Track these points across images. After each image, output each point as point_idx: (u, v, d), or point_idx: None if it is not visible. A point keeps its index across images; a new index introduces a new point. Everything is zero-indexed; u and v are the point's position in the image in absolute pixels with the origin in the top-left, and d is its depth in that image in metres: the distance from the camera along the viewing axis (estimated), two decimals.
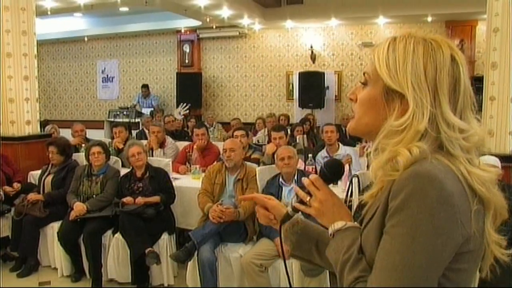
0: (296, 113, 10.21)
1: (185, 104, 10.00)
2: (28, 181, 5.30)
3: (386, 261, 0.93)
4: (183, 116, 9.76)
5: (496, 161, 3.41)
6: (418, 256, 0.90)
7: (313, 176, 1.21)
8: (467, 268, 0.98)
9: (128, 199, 4.32)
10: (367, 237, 1.03)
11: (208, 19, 9.22)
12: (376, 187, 1.06)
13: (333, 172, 1.24)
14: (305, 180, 1.22)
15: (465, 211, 0.93)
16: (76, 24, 11.06)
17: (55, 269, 4.61)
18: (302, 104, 9.87)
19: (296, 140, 6.80)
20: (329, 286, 3.77)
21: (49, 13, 7.78)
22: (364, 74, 1.11)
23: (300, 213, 1.28)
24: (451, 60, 1.01)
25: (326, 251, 1.17)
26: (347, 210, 1.19)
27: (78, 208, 4.38)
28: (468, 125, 1.00)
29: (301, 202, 1.22)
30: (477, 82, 6.97)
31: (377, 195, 1.07)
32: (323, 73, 9.94)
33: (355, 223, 1.15)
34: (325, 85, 9.97)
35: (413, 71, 0.99)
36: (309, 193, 1.20)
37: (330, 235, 1.15)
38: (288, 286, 1.52)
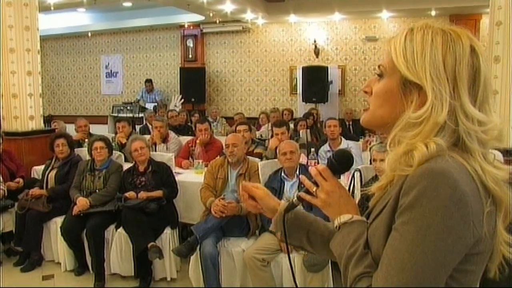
0: (300, 108, 10.19)
1: (180, 96, 10.08)
2: (32, 176, 5.31)
3: (395, 259, 0.91)
4: (179, 108, 9.85)
5: (498, 155, 3.40)
6: (427, 255, 0.88)
7: (320, 166, 1.19)
8: (475, 269, 0.97)
9: (130, 194, 4.34)
10: (374, 232, 1.01)
11: (211, 14, 9.20)
12: (385, 179, 1.04)
13: (342, 163, 1.21)
14: (312, 170, 1.19)
15: (478, 212, 0.91)
16: (79, 19, 11.06)
17: (59, 263, 4.64)
18: (306, 98, 9.85)
19: (299, 135, 6.80)
20: (331, 281, 3.77)
21: (52, 8, 7.79)
22: (379, 66, 1.08)
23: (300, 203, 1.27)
24: (470, 51, 0.98)
25: (330, 244, 1.15)
26: (354, 203, 1.17)
27: (81, 203, 4.40)
28: (488, 118, 0.98)
29: (307, 192, 1.20)
30: None
31: (385, 187, 1.05)
32: (327, 68, 9.90)
33: (362, 217, 1.13)
34: (329, 80, 9.94)
35: (431, 62, 0.96)
36: (315, 183, 1.17)
37: (336, 227, 1.14)
38: (292, 279, 1.49)
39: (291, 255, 3.67)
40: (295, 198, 1.24)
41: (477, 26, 8.98)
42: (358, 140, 6.84)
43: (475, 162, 0.95)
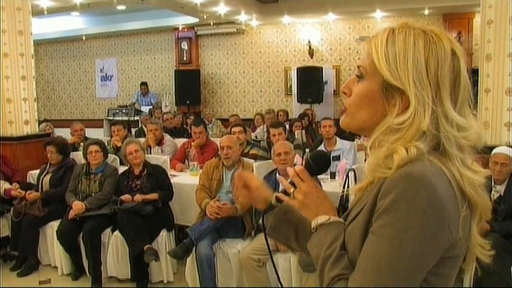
0: (295, 109, 10.22)
1: (169, 96, 10.19)
2: (27, 181, 5.31)
3: (371, 262, 0.91)
4: (169, 108, 9.93)
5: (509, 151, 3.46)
6: (404, 259, 0.88)
7: (298, 167, 1.18)
8: (449, 273, 0.97)
9: (126, 197, 4.34)
10: (351, 234, 1.01)
11: (205, 16, 9.21)
12: (366, 181, 1.04)
13: (319, 164, 1.21)
14: (289, 171, 1.18)
15: (454, 217, 0.92)
16: (73, 23, 11.06)
17: (55, 267, 4.63)
18: (301, 99, 9.87)
19: (294, 135, 6.81)
20: None
21: (45, 12, 7.77)
22: (358, 67, 1.06)
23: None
24: (451, 54, 0.98)
25: (307, 245, 1.14)
26: (331, 203, 1.16)
27: (77, 207, 4.40)
28: (468, 123, 0.98)
29: (285, 192, 1.19)
30: (475, 75, 6.95)
31: (365, 189, 1.05)
32: (321, 68, 9.94)
33: (339, 218, 1.12)
34: (323, 80, 9.97)
35: (414, 66, 0.95)
36: (293, 184, 1.16)
37: (313, 229, 1.12)
38: (277, 279, 1.49)
39: (287, 255, 3.70)
40: (273, 199, 1.24)
41: (470, 24, 9.03)
42: (353, 140, 6.85)
43: (453, 167, 0.96)
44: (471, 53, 8.90)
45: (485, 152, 1.10)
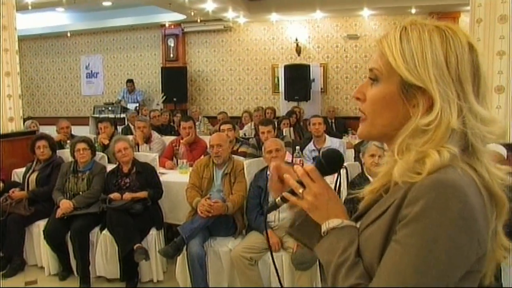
0: (282, 106, 10.21)
1: (162, 94, 10.12)
2: (12, 179, 5.21)
3: (395, 273, 0.85)
4: (161, 106, 9.87)
5: (502, 150, 3.45)
6: (431, 272, 0.83)
7: (308, 166, 1.09)
8: (470, 287, 0.92)
9: (115, 195, 4.28)
10: (368, 241, 0.96)
11: (192, 13, 9.15)
12: (378, 183, 0.99)
13: (331, 163, 1.12)
14: (299, 170, 1.09)
15: (484, 229, 0.88)
16: (58, 19, 10.88)
17: (42, 268, 4.55)
18: (288, 97, 9.87)
19: (283, 133, 6.81)
20: (319, 279, 3.78)
21: (30, 7, 7.64)
22: (371, 69, 1.00)
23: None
24: (469, 48, 0.94)
25: (315, 249, 1.07)
26: (343, 206, 1.09)
27: (65, 205, 4.32)
28: (492, 116, 0.94)
29: (292, 192, 1.10)
30: None
31: (378, 191, 1.01)
32: (309, 66, 9.95)
33: (352, 222, 1.06)
34: (311, 78, 9.98)
35: (434, 62, 0.91)
36: (301, 184, 1.08)
37: (323, 233, 1.05)
38: (277, 278, 1.42)
39: (279, 254, 3.68)
40: (279, 198, 1.14)
41: (456, 24, 9.09)
42: (341, 138, 6.89)
43: (482, 167, 0.92)
44: None
45: None
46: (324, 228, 1.05)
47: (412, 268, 0.84)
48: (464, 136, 0.92)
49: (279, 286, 3.71)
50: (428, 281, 0.83)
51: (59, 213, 4.30)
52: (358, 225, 1.05)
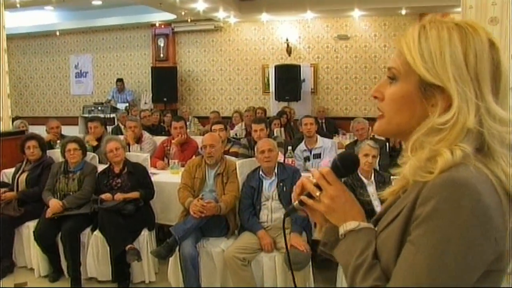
0: (273, 106, 10.21)
1: (149, 94, 10.11)
2: (1, 179, 5.14)
3: (409, 274, 0.85)
4: (149, 104, 9.84)
5: None
6: (445, 272, 0.82)
7: (324, 169, 1.10)
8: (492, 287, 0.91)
9: (107, 196, 4.24)
10: (385, 242, 0.95)
11: (183, 13, 9.12)
12: (398, 184, 0.99)
13: (347, 165, 1.13)
14: (315, 173, 1.11)
15: (500, 227, 0.86)
16: (47, 18, 10.78)
17: (32, 269, 4.50)
18: (279, 97, 9.87)
19: (273, 133, 6.80)
20: (312, 279, 3.78)
21: (18, 5, 7.57)
22: (389, 68, 1.00)
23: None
24: (489, 45, 0.93)
25: (334, 252, 1.08)
26: (360, 208, 1.09)
27: (54, 204, 4.27)
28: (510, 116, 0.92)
29: (309, 195, 1.10)
30: None
31: (397, 193, 1.01)
32: (299, 66, 9.95)
33: (369, 224, 1.06)
34: (301, 78, 9.99)
35: (452, 61, 0.90)
36: (318, 187, 1.09)
37: (341, 235, 1.06)
38: (293, 281, 1.38)
39: (272, 254, 3.68)
40: (297, 202, 1.15)
41: None
42: (331, 138, 6.89)
43: (497, 168, 0.90)
44: None
45: None
46: (341, 230, 1.06)
47: (426, 268, 0.83)
48: (480, 136, 0.91)
49: (274, 287, 3.71)
50: (443, 281, 0.82)
51: (48, 213, 4.25)
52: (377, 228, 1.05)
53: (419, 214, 0.86)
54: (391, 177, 4.12)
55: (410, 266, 0.86)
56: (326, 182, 1.08)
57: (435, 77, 0.91)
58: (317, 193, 1.09)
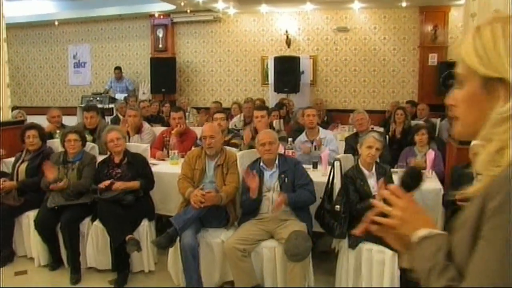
0: (271, 98, 10.18)
1: (147, 84, 10.08)
2: (1, 169, 5.14)
3: (481, 269, 0.86)
4: (147, 94, 9.80)
5: None
6: None
7: (392, 186, 1.18)
8: None
9: (105, 183, 4.21)
10: (459, 241, 0.97)
11: (182, 3, 9.07)
12: (480, 183, 0.98)
13: (415, 181, 1.22)
14: (385, 193, 1.17)
15: None
16: (45, 8, 10.72)
17: (32, 258, 4.52)
18: (277, 88, 9.84)
19: (272, 125, 6.79)
20: (311, 270, 3.80)
21: None
22: (457, 76, 1.05)
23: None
24: None
25: (407, 259, 1.13)
26: (429, 217, 1.15)
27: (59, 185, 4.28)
28: None
29: (381, 214, 1.17)
30: (450, 67, 7.03)
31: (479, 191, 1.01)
32: (298, 58, 9.92)
33: (440, 231, 1.09)
34: (300, 70, 9.96)
35: (506, 50, 0.93)
36: (386, 203, 1.16)
37: (413, 243, 1.10)
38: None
39: (272, 245, 3.70)
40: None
41: (446, 18, 9.15)
42: (330, 130, 6.90)
43: None
44: (446, 46, 9.06)
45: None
46: (413, 238, 1.10)
47: (496, 262, 0.84)
48: None
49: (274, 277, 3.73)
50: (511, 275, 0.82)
51: (54, 187, 4.27)
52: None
53: (489, 209, 0.88)
54: (392, 169, 4.15)
55: (481, 261, 0.87)
56: (396, 196, 1.15)
57: (492, 69, 0.95)
58: (389, 209, 1.15)
